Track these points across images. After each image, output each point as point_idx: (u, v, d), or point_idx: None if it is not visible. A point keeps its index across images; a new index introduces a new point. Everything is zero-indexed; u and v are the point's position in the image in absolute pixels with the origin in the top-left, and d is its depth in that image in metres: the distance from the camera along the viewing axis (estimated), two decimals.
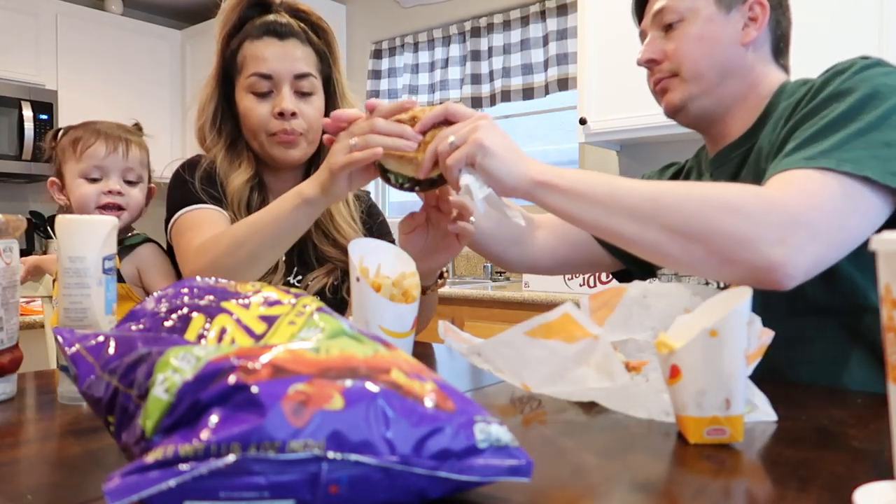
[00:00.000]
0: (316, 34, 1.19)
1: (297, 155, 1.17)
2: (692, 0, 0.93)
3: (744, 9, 0.93)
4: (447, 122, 0.82)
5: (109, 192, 1.24)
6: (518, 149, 0.79)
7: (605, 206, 0.75)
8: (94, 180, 1.25)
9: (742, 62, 0.94)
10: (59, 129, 1.32)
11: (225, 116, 1.20)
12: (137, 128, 1.38)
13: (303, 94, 1.16)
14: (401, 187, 0.85)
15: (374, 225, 1.30)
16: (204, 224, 1.09)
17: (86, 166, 1.25)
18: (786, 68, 0.98)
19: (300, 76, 1.15)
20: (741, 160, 0.94)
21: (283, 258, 1.18)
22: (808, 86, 0.86)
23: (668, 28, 0.96)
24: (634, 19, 1.05)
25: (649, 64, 0.99)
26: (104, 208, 1.25)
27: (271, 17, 1.16)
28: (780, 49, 0.97)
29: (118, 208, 1.25)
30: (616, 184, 0.76)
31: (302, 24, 1.17)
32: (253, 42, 1.14)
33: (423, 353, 1.05)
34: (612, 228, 0.75)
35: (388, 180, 0.86)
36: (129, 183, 1.28)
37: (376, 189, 3.95)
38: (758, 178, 0.86)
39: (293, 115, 1.14)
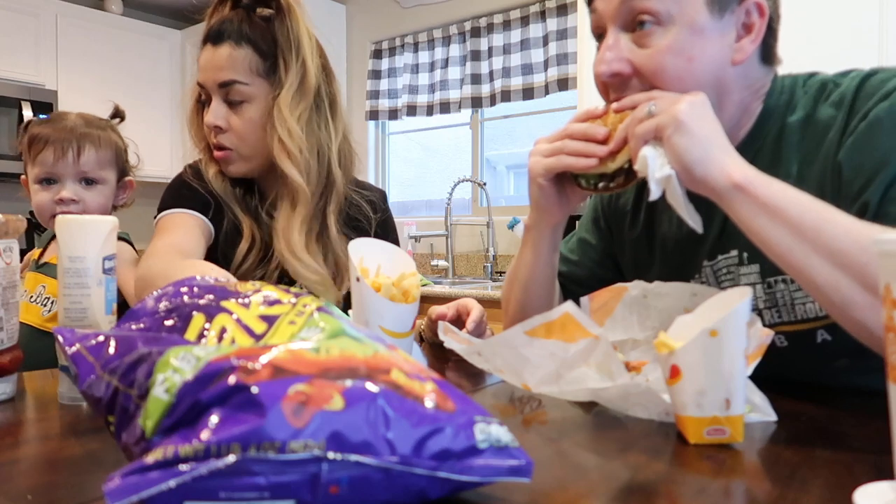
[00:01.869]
0: (267, 21, 1.09)
1: (233, 171, 1.11)
2: None
3: (739, 11, 0.74)
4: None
5: (61, 200, 1.20)
6: (724, 139, 0.66)
7: (805, 238, 0.61)
8: (49, 183, 1.21)
9: (734, 84, 0.76)
10: (28, 122, 1.27)
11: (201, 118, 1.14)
12: (114, 115, 1.31)
13: (231, 105, 1.08)
14: (595, 189, 0.77)
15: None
16: (176, 228, 1.06)
17: (39, 171, 1.21)
18: (772, 61, 0.81)
19: (223, 84, 1.07)
20: None
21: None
22: (854, 110, 0.72)
23: (643, 32, 0.73)
24: None
25: (613, 79, 0.75)
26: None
27: (220, 16, 1.11)
28: (769, 52, 0.80)
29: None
30: (828, 215, 0.62)
31: (245, 21, 1.09)
32: (200, 48, 1.11)
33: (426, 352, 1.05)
34: (804, 268, 0.62)
35: (579, 185, 0.79)
36: (88, 182, 1.23)
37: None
38: None
39: (217, 128, 1.07)
